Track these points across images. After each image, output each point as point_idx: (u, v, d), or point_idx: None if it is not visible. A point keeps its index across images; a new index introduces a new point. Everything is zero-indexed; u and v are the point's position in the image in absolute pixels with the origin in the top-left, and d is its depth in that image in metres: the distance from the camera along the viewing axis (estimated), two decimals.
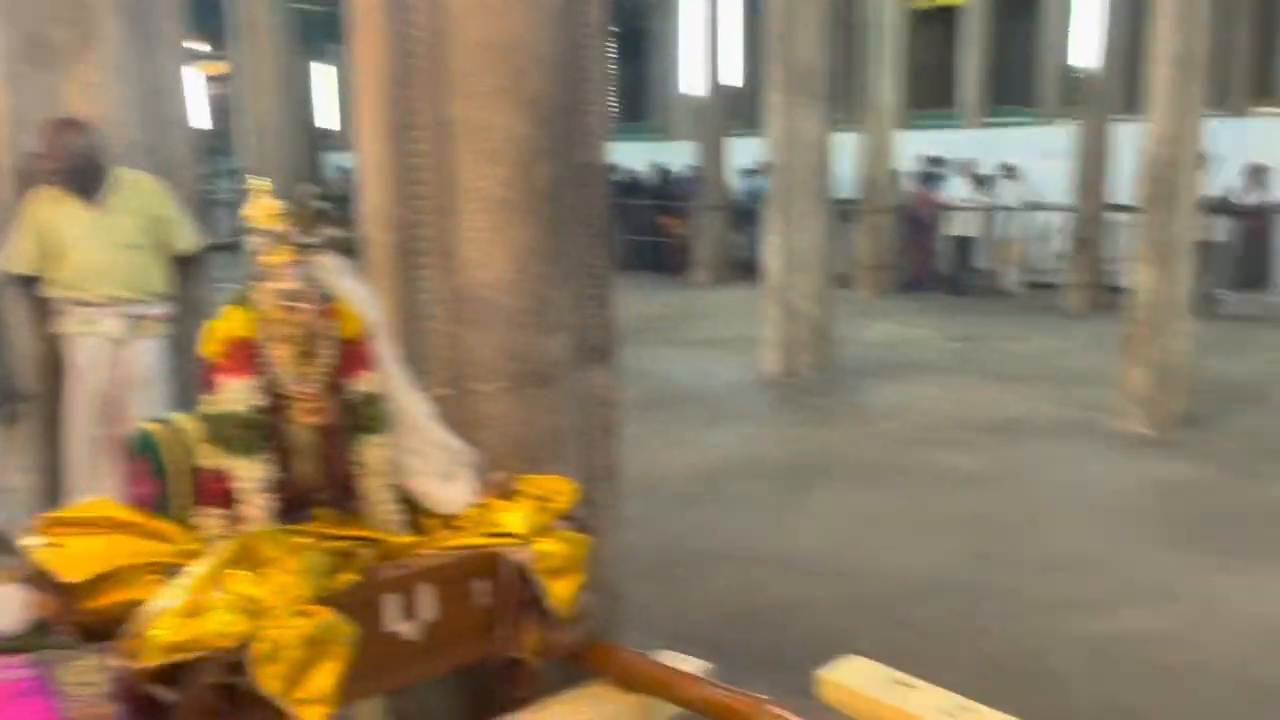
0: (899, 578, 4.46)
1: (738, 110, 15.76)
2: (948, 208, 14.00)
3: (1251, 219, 11.68)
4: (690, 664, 2.35)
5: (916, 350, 9.63)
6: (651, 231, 15.96)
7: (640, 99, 21.90)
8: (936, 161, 14.94)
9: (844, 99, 13.46)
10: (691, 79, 15.05)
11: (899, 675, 2.33)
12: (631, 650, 2.37)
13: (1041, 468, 6.10)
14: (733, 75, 14.98)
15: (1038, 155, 14.24)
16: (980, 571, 4.53)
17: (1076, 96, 12.54)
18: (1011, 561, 4.65)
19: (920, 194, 14.21)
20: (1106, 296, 10.92)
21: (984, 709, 2.21)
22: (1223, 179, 11.86)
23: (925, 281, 13.87)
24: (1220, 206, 11.53)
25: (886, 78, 13.00)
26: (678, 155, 16.52)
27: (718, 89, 14.51)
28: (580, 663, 2.32)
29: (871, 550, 4.78)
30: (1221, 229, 11.75)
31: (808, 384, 8.14)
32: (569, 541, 2.26)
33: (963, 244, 13.88)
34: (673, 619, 4.03)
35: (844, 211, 12.56)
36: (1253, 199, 11.74)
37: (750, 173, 14.78)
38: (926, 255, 14.19)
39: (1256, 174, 11.75)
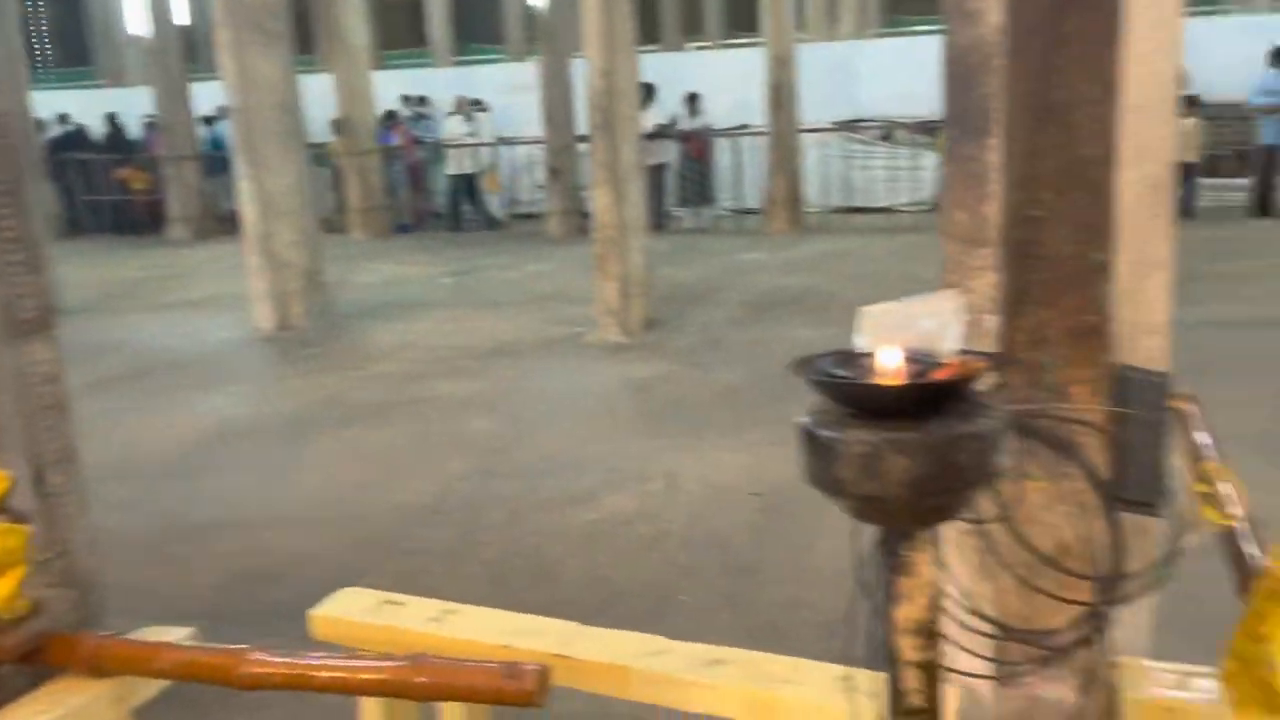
0: (406, 508, 4.60)
1: (198, 52, 14.59)
2: (439, 145, 14.24)
3: (692, 143, 13.29)
4: (172, 634, 2.25)
5: (413, 288, 9.79)
6: (109, 189, 14.39)
7: (79, 40, 19.40)
8: (420, 100, 15.10)
9: (311, 38, 13.02)
10: (137, 17, 13.63)
11: (389, 596, 2.42)
12: (100, 635, 2.22)
13: (534, 383, 6.56)
14: (182, 13, 13.81)
15: (508, 90, 14.97)
16: (483, 487, 4.81)
17: (538, 34, 13.29)
18: (511, 472, 4.99)
19: (405, 134, 14.30)
20: (581, 221, 11.86)
21: (468, 608, 2.37)
22: (666, 108, 13.35)
23: (424, 220, 14.07)
24: (664, 132, 12.98)
25: (355, 16, 12.77)
26: (135, 103, 14.99)
27: (168, 28, 13.31)
28: (40, 662, 2.12)
29: (377, 488, 4.86)
30: (669, 152, 13.25)
31: (303, 334, 7.94)
32: (1, 535, 2.04)
33: (459, 181, 14.22)
34: (175, 596, 3.83)
35: (320, 155, 12.28)
36: (692, 125, 13.35)
37: (211, 119, 13.85)
38: (420, 194, 14.37)
39: (693, 101, 13.34)
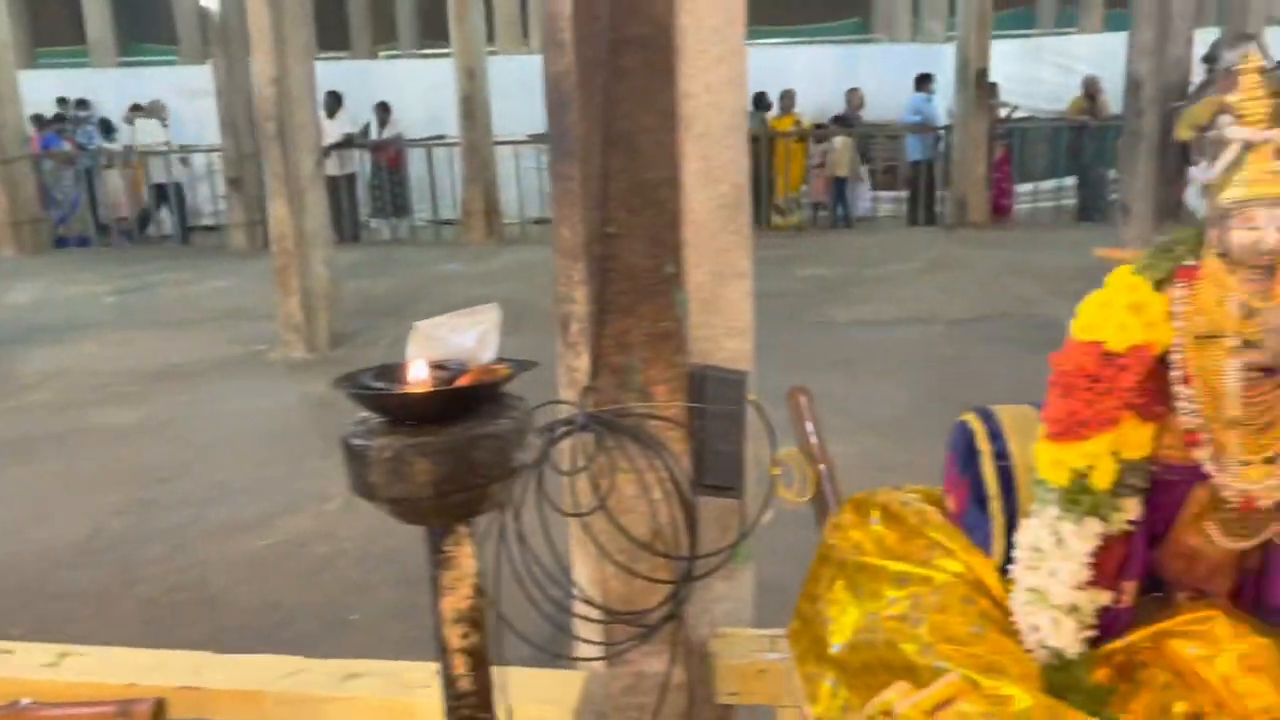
0: (52, 549, 4.22)
1: None
2: (109, 153, 13.09)
3: (385, 153, 13.05)
4: None
5: (74, 308, 8.96)
6: None
7: None
8: (79, 104, 13.85)
9: None
10: None
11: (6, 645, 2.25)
12: None
13: (207, 406, 6.21)
14: None
15: (184, 95, 14.04)
16: (142, 520, 4.51)
17: (212, 36, 12.56)
18: (176, 502, 4.71)
19: (73, 140, 13.08)
20: (266, 233, 11.32)
21: (90, 649, 2.25)
22: (357, 117, 13.03)
23: (109, 234, 12.91)
24: (353, 141, 12.68)
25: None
26: None
27: None
28: None
29: (17, 530, 4.43)
30: (359, 162, 12.95)
31: None
32: None
33: (163, 190, 13.11)
34: None
35: None
36: (383, 134, 13.11)
37: None
38: (99, 205, 13.16)
39: (384, 111, 13.10)
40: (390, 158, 13.14)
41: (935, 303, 8.58)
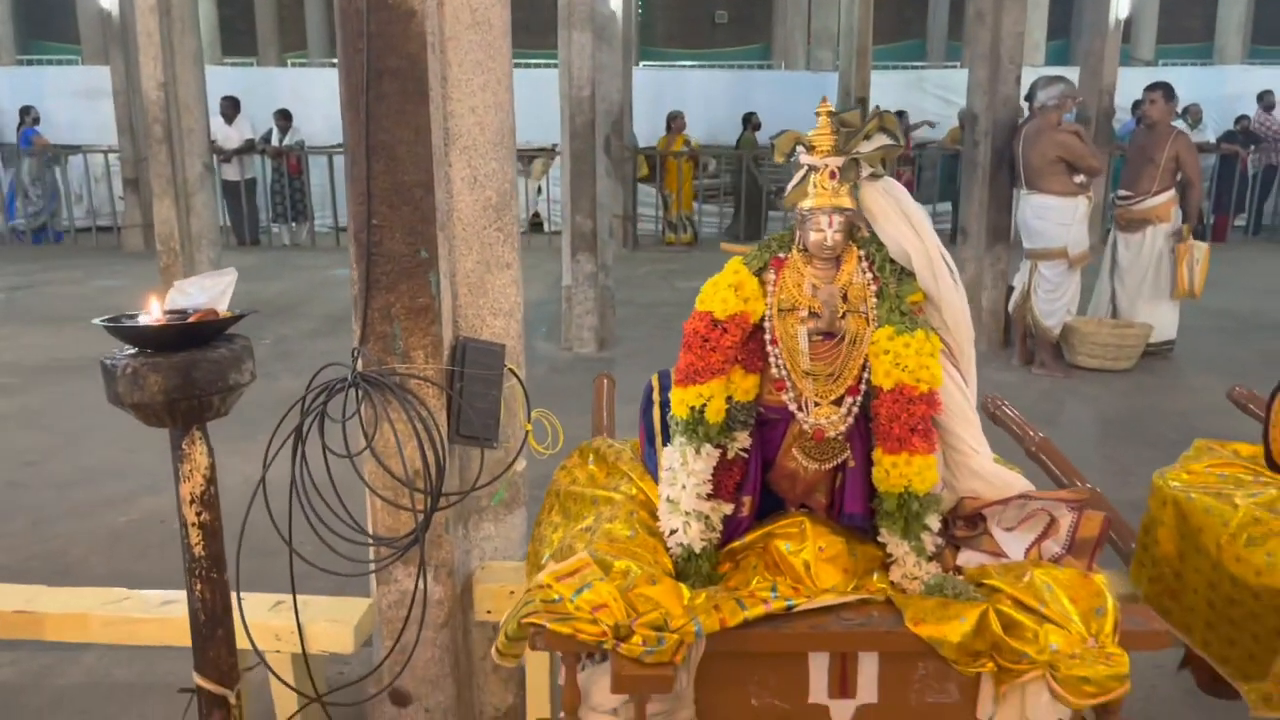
0: None
1: None
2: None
3: (286, 159, 13.25)
4: None
5: None
6: None
7: None
8: None
9: None
10: None
11: None
12: None
13: (82, 397, 6.42)
14: None
15: (85, 96, 14.05)
16: (6, 499, 4.75)
17: (112, 37, 12.61)
18: (43, 483, 4.96)
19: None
20: None
21: None
22: (255, 122, 13.21)
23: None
24: (252, 147, 12.85)
25: None
26: None
27: None
28: None
29: None
30: (259, 167, 13.12)
31: None
32: None
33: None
34: None
35: None
36: (284, 141, 13.30)
37: None
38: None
39: (285, 118, 13.30)
40: (291, 164, 13.33)
41: None
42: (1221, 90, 14.61)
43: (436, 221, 2.27)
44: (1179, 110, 13.45)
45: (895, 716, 1.74)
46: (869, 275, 1.87)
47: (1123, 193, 7.30)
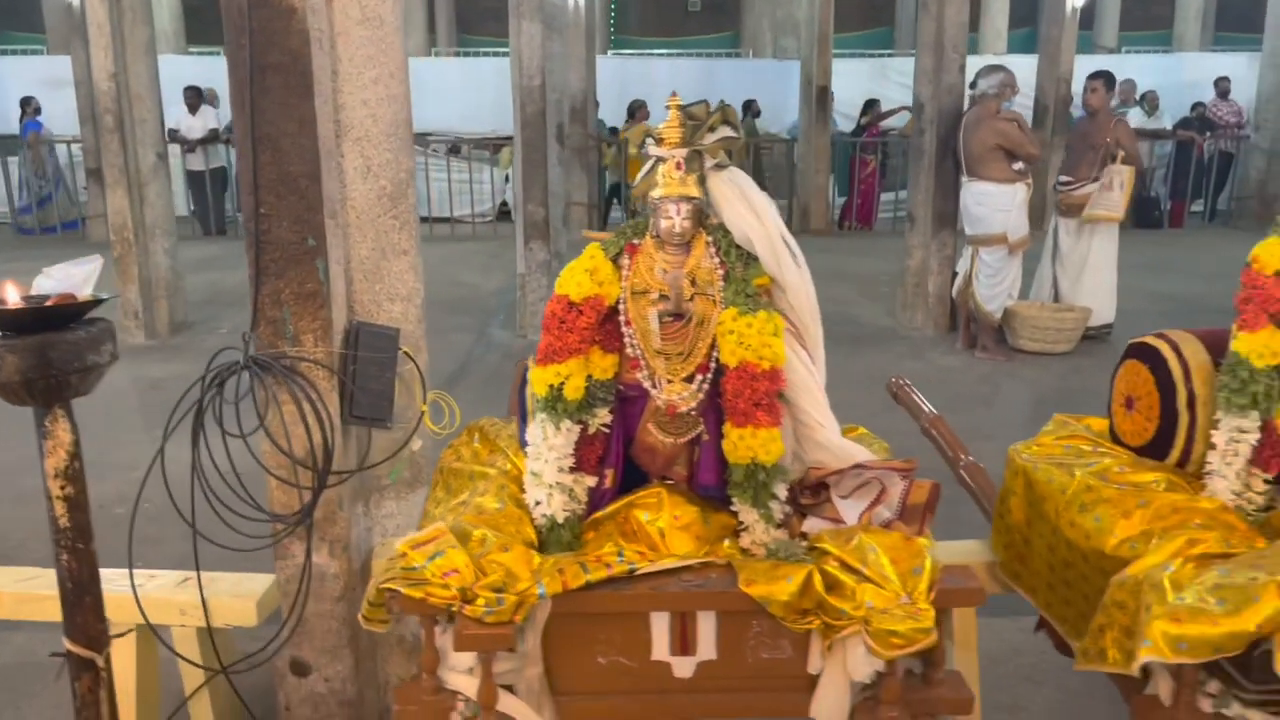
0: None
1: None
2: None
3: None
4: None
5: None
6: None
7: None
8: None
9: None
10: None
11: None
12: None
13: None
14: None
15: (52, 85, 13.99)
16: None
17: (74, 27, 12.58)
18: None
19: None
20: None
21: None
22: (220, 112, 13.19)
23: None
24: (216, 137, 12.86)
25: None
26: None
27: None
28: None
29: None
30: (227, 157, 13.12)
31: None
32: None
33: None
34: None
35: None
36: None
37: None
38: None
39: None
40: None
41: None
42: (1180, 77, 14.77)
43: (326, 210, 2.37)
44: (1137, 98, 13.67)
45: (733, 672, 1.86)
46: (716, 260, 1.98)
47: (1064, 179, 7.44)
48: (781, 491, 1.99)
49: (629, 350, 1.99)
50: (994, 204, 6.90)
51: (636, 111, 13.51)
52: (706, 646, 1.85)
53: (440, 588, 1.75)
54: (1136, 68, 14.64)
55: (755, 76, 15.38)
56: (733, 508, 2.02)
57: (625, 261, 1.99)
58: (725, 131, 1.94)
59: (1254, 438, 1.98)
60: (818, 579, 1.79)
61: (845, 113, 14.12)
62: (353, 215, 2.55)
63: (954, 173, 7.48)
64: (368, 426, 2.53)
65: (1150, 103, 13.43)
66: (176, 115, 12.42)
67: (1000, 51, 15.78)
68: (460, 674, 1.83)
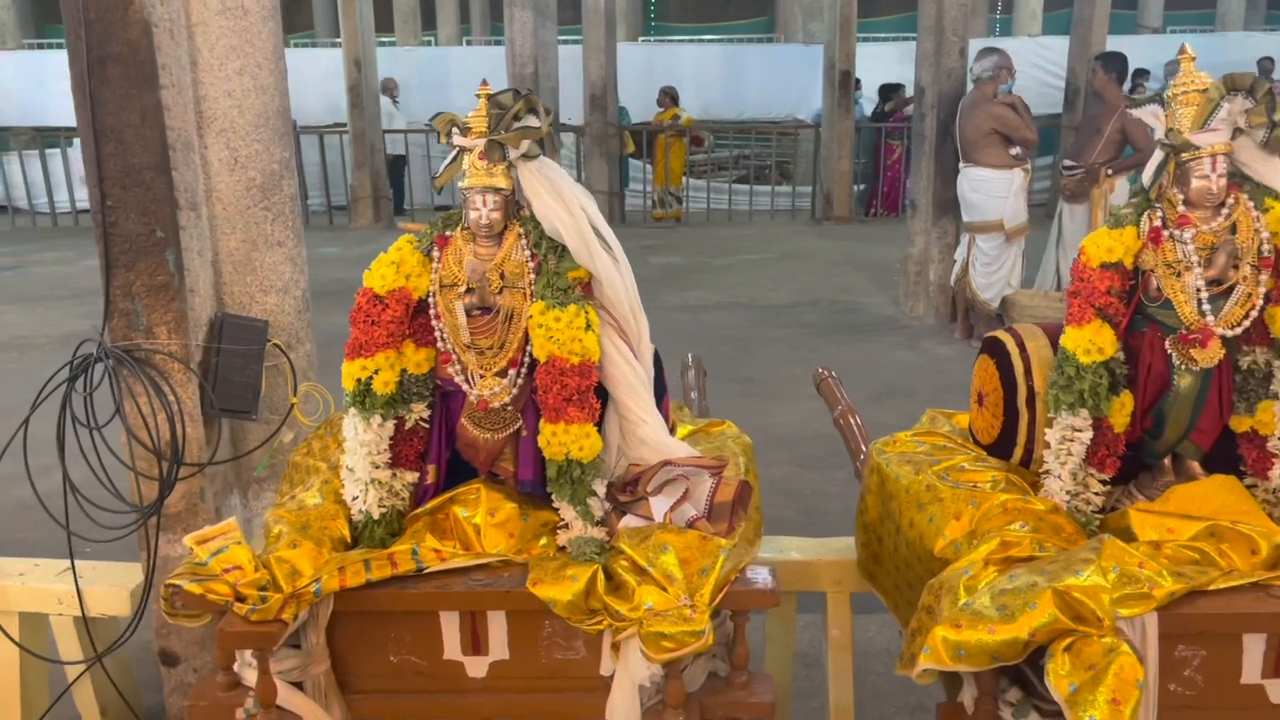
0: None
1: None
2: None
3: None
4: None
5: None
6: None
7: None
8: None
9: None
10: None
11: None
12: None
13: (22, 376, 6.64)
14: None
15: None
16: None
17: None
18: None
19: None
20: None
21: None
22: None
23: None
24: None
25: None
26: None
27: None
28: None
29: None
30: None
31: None
32: None
33: None
34: None
35: None
36: None
37: None
38: None
39: None
40: None
41: (761, 289, 9.19)
42: (1224, 57, 14.25)
43: (183, 201, 2.37)
44: (1166, 78, 13.23)
45: (527, 672, 1.83)
46: (527, 253, 1.93)
47: (1067, 162, 7.23)
48: (600, 488, 1.94)
49: (439, 344, 1.96)
50: (990, 190, 6.72)
51: (664, 98, 13.37)
52: (498, 646, 1.81)
53: (220, 584, 1.74)
54: (1178, 48, 14.17)
55: (782, 62, 15.18)
56: (554, 504, 1.98)
57: (435, 254, 1.96)
58: (530, 121, 1.89)
59: (1087, 437, 1.89)
60: (600, 579, 1.75)
61: (870, 97, 13.88)
62: (219, 207, 2.54)
63: (953, 159, 7.31)
64: (233, 418, 2.53)
65: None
66: None
67: (1035, 33, 15.38)
68: (252, 670, 1.82)
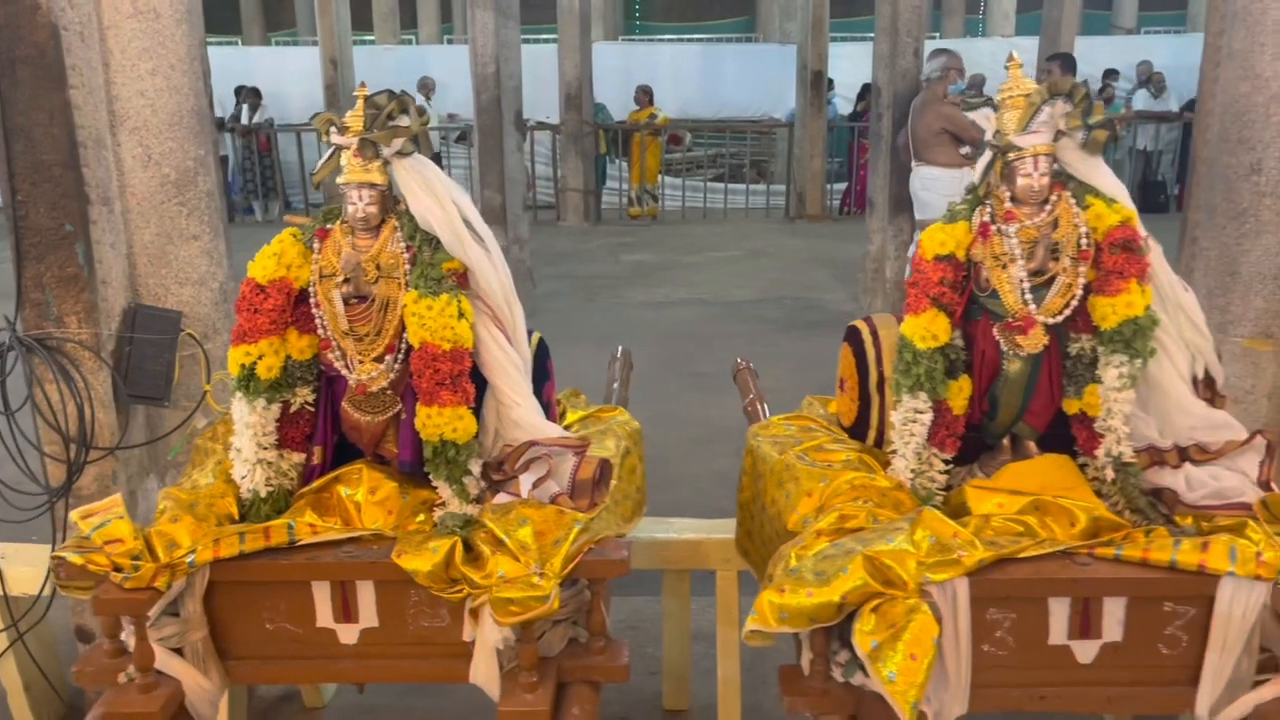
0: None
1: None
2: None
3: (255, 137, 13.51)
4: None
5: None
6: None
7: None
8: None
9: None
10: None
11: None
12: None
13: None
14: None
15: None
16: None
17: None
18: None
19: None
20: None
21: None
22: (223, 100, 13.44)
23: None
24: (222, 126, 13.09)
25: None
26: None
27: None
28: None
29: None
30: (231, 145, 13.39)
31: None
32: None
33: None
34: None
35: None
36: (254, 119, 13.55)
37: None
38: None
39: (254, 96, 13.53)
40: (261, 141, 13.59)
41: (726, 286, 9.30)
42: (1195, 58, 14.40)
43: (92, 197, 2.48)
44: (1144, 78, 13.38)
45: (396, 639, 1.94)
46: (402, 245, 2.05)
47: None
48: (475, 467, 2.05)
49: (319, 331, 2.07)
50: (941, 189, 6.84)
51: (641, 97, 13.47)
52: (368, 614, 1.93)
53: (101, 555, 1.85)
54: (1153, 48, 14.31)
55: (758, 61, 15.31)
56: (434, 483, 2.09)
57: (316, 245, 2.07)
58: (401, 120, 2.01)
59: (927, 419, 2.01)
60: (459, 550, 1.86)
61: (847, 96, 14.01)
62: (133, 201, 2.65)
63: (907, 157, 7.43)
64: (145, 405, 2.64)
65: (1156, 84, 13.14)
66: None
67: (1008, 33, 15.53)
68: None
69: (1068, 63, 7.26)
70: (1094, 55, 14.15)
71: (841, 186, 13.84)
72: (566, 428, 2.45)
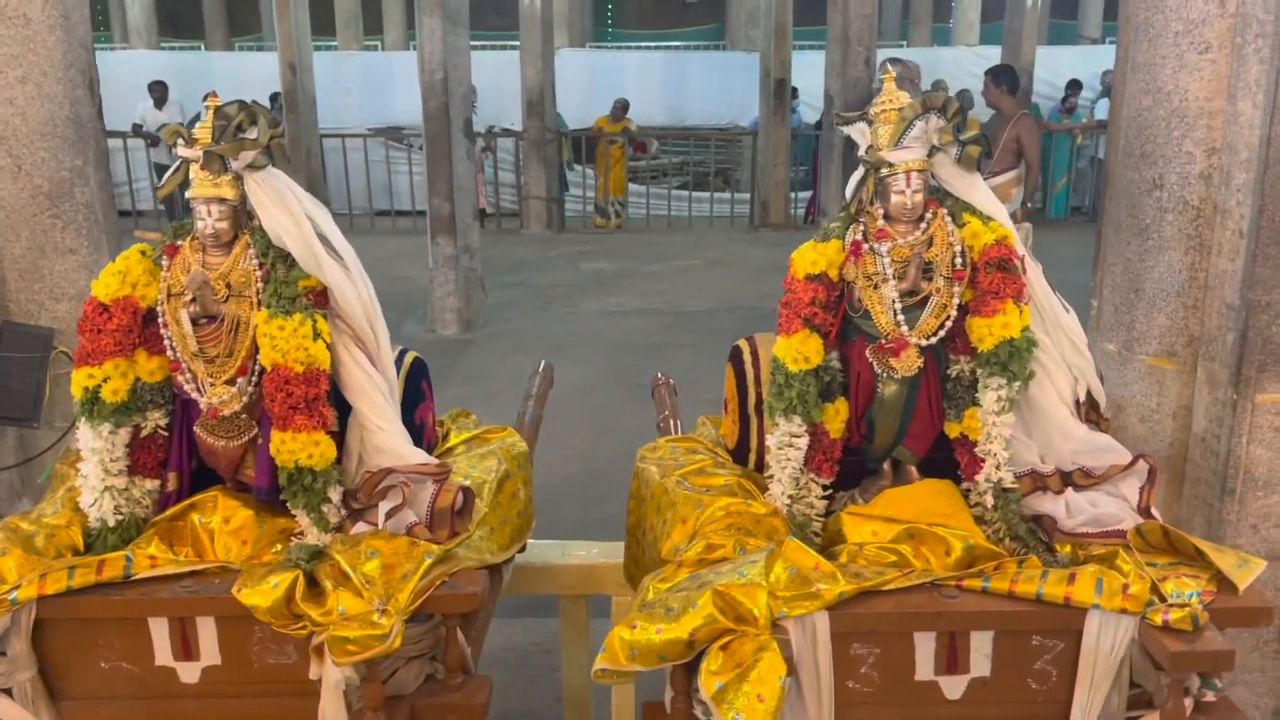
0: None
1: None
2: None
3: None
4: None
5: None
6: None
7: None
8: None
9: None
10: None
11: None
12: None
13: None
14: None
15: None
16: None
17: None
18: None
19: None
20: None
21: None
22: (185, 107, 13.25)
23: None
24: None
25: None
26: None
27: None
28: None
29: None
30: None
31: None
32: None
33: None
34: None
35: None
36: None
37: None
38: None
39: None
40: None
41: (682, 296, 9.24)
42: None
43: None
44: (1108, 88, 13.43)
45: (240, 677, 1.84)
46: (255, 262, 1.95)
47: None
48: (335, 495, 1.96)
49: (169, 353, 1.97)
50: None
51: (617, 105, 13.32)
52: (210, 652, 1.83)
53: None
54: (1113, 58, 14.38)
55: (724, 69, 15.28)
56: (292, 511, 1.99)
57: (165, 263, 1.98)
58: (250, 133, 1.92)
59: (803, 443, 1.93)
60: (301, 585, 1.77)
61: (812, 104, 13.98)
62: (2, 214, 2.55)
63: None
64: (12, 426, 2.53)
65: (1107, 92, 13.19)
66: (142, 109, 12.50)
67: (972, 43, 15.56)
68: None
69: (1002, 75, 7.20)
70: (1057, 64, 14.20)
71: (807, 195, 13.82)
72: (449, 449, 2.36)
